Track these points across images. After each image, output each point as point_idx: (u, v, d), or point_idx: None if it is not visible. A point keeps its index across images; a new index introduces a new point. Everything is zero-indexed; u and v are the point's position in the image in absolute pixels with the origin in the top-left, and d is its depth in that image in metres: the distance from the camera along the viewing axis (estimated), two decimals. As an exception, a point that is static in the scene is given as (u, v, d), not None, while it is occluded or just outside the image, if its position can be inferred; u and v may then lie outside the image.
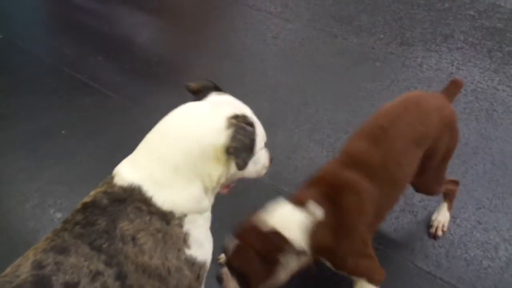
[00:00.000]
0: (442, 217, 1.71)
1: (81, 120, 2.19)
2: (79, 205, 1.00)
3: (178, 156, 1.00)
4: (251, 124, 1.07)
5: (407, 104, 1.44)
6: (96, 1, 3.44)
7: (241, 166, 1.03)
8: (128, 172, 1.00)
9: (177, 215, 1.00)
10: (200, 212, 1.05)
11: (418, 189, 1.57)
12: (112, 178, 1.01)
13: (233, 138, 1.00)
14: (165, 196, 0.99)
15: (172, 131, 1.03)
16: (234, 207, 1.74)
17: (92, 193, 1.01)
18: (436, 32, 2.88)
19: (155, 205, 0.98)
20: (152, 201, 0.98)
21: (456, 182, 1.69)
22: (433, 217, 1.73)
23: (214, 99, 1.13)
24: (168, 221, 0.99)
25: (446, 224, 1.71)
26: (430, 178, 1.52)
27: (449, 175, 1.62)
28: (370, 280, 1.31)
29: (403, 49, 2.72)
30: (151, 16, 3.24)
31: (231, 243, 1.22)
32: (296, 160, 1.99)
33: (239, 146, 1.01)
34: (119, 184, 0.99)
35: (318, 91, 2.41)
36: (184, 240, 1.01)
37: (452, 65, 2.56)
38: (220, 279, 1.27)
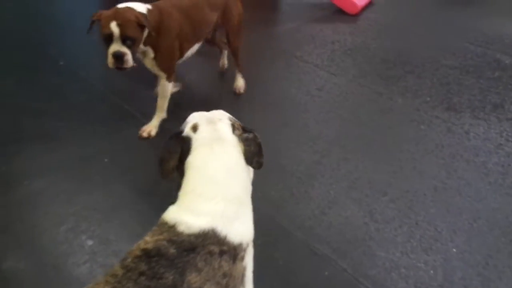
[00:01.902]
0: (240, 81, 2.87)
1: (124, 151, 2.25)
2: (137, 251, 0.97)
3: (237, 187, 1.08)
4: (248, 130, 1.18)
5: None
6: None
7: (260, 167, 1.19)
8: (193, 219, 1.00)
9: (243, 246, 1.03)
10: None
11: (230, 45, 2.73)
12: (173, 227, 0.99)
13: (248, 150, 1.13)
14: (236, 230, 1.02)
15: (217, 168, 1.07)
16: (264, 259, 1.70)
17: (150, 239, 0.99)
18: (485, 100, 2.83)
19: (228, 243, 0.99)
20: (226, 240, 0.99)
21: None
22: (234, 85, 2.87)
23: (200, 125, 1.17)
24: (235, 256, 1.00)
25: (243, 85, 2.87)
26: (234, 36, 2.67)
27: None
28: (168, 77, 2.33)
29: (449, 114, 2.68)
30: (201, 57, 3.36)
31: None
32: (331, 217, 1.95)
33: (254, 154, 1.15)
34: (187, 232, 0.97)
35: (359, 147, 2.39)
36: (241, 278, 1.03)
37: (501, 136, 2.49)
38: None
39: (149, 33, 2.08)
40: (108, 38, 1.99)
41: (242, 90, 2.84)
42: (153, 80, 3.05)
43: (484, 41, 3.64)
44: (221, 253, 0.98)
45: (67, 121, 2.51)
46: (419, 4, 4.51)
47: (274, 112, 2.69)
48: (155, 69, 2.30)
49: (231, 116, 1.20)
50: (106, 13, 1.99)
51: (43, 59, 3.16)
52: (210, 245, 0.97)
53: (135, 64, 2.06)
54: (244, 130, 1.16)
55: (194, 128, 1.11)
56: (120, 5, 2.05)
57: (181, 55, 2.39)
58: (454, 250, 1.80)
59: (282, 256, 1.76)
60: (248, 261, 1.08)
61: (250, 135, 1.14)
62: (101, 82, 2.94)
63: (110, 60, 2.03)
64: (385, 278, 1.68)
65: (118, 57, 2.00)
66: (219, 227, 1.00)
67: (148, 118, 2.43)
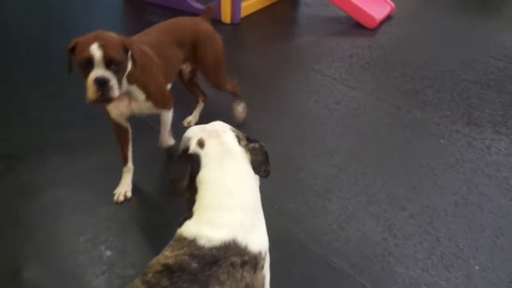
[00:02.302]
0: (240, 108, 2.60)
1: (144, 163, 2.29)
2: (157, 266, 0.98)
3: (251, 197, 1.09)
4: (252, 140, 1.20)
5: (169, 21, 2.20)
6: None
7: (268, 175, 1.21)
8: (214, 232, 1.00)
9: (262, 254, 1.05)
10: None
11: (212, 84, 2.44)
12: (193, 241, 1.00)
13: (255, 159, 1.16)
14: (255, 239, 1.04)
15: (231, 180, 1.08)
16: (281, 273, 1.69)
17: (170, 254, 1.00)
18: (507, 115, 2.78)
19: (249, 252, 1.00)
20: (247, 250, 1.00)
21: (234, 83, 2.56)
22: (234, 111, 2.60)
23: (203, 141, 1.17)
24: (256, 265, 1.01)
25: (245, 111, 2.61)
26: (212, 75, 2.37)
27: None
28: (166, 106, 2.06)
29: (470, 128, 2.64)
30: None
31: None
32: (349, 232, 1.93)
33: (262, 163, 1.19)
34: (209, 245, 0.98)
35: (377, 162, 2.37)
36: (261, 286, 1.05)
37: (524, 152, 2.44)
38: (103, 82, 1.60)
39: (132, 68, 1.77)
40: (87, 64, 1.61)
41: (241, 119, 2.60)
42: (172, 92, 3.11)
43: (505, 55, 3.59)
44: (243, 264, 0.98)
45: (89, 132, 2.56)
46: (438, 18, 4.49)
47: (291, 125, 2.69)
48: (153, 111, 2.02)
49: (232, 127, 1.21)
50: (84, 37, 1.67)
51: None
52: (232, 257, 0.97)
53: (121, 95, 1.74)
54: (249, 140, 1.18)
55: (200, 143, 1.12)
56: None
57: None
58: (477, 267, 1.76)
59: (299, 270, 1.74)
60: (267, 270, 1.10)
61: (256, 145, 1.17)
62: (122, 95, 3.00)
63: (91, 90, 1.61)
64: (405, 295, 1.65)
65: (102, 83, 1.60)
66: (240, 237, 1.00)
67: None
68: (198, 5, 4.22)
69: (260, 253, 1.05)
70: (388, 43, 3.82)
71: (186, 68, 2.40)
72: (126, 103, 1.91)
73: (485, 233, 1.92)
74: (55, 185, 2.15)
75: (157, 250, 1.08)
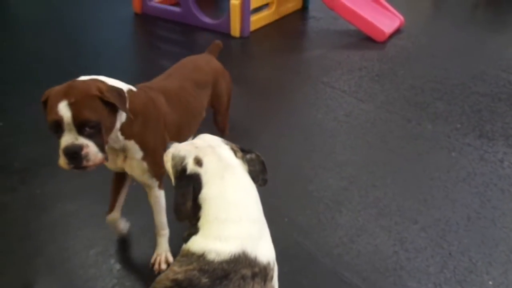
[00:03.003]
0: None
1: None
2: (167, 281, 0.97)
3: (255, 208, 1.09)
4: (249, 150, 1.19)
5: (186, 63, 2.01)
6: (185, 50, 3.73)
7: (265, 183, 1.19)
8: (222, 245, 1.00)
9: (271, 265, 1.04)
10: None
11: (218, 126, 2.22)
12: (202, 256, 1.00)
13: (253, 170, 1.15)
14: (262, 249, 1.03)
15: (234, 193, 1.08)
16: (290, 286, 1.68)
17: (178, 269, 0.99)
18: (519, 128, 2.75)
19: (259, 263, 1.00)
20: (256, 261, 1.00)
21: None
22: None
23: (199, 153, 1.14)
24: (266, 276, 1.01)
25: None
26: (224, 117, 2.20)
27: None
28: (160, 184, 1.71)
29: (481, 142, 2.61)
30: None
31: None
32: (360, 245, 1.90)
33: (259, 172, 1.17)
34: (218, 260, 0.98)
35: (387, 174, 2.35)
36: None
37: (537, 165, 2.40)
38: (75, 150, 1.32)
39: (130, 120, 1.47)
40: (56, 127, 1.31)
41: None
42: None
43: (516, 67, 3.57)
44: (253, 276, 0.98)
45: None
46: (449, 30, 4.49)
47: (301, 137, 2.69)
48: (144, 177, 1.63)
49: (224, 139, 1.20)
50: (56, 89, 1.36)
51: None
52: (242, 269, 0.97)
53: (106, 158, 1.40)
54: (243, 151, 1.17)
55: (198, 162, 1.09)
56: (82, 77, 1.44)
57: None
58: (490, 282, 1.72)
59: (309, 283, 1.73)
60: (275, 281, 1.09)
61: (253, 155, 1.16)
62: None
63: (61, 159, 1.33)
64: (417, 310, 1.62)
65: (71, 154, 1.31)
66: (249, 248, 1.00)
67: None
68: (208, 20, 4.28)
69: (269, 263, 1.04)
70: (398, 56, 3.82)
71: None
72: (122, 158, 1.58)
73: (498, 247, 1.88)
74: (66, 198, 2.17)
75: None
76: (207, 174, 1.07)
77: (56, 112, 1.30)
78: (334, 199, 2.17)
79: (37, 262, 1.82)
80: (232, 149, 1.15)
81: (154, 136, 1.59)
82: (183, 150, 1.13)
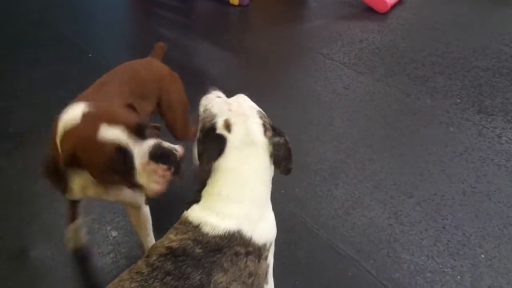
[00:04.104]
0: None
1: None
2: (162, 249, 0.97)
3: (263, 190, 1.07)
4: (279, 133, 1.12)
5: (122, 70, 1.64)
6: (180, 33, 3.65)
7: (288, 172, 1.13)
8: (219, 221, 0.99)
9: (267, 246, 1.04)
10: None
11: (177, 136, 1.84)
12: (198, 227, 0.99)
13: (277, 154, 1.09)
14: (260, 231, 1.02)
15: (247, 173, 1.05)
16: (287, 257, 1.70)
17: (174, 237, 0.99)
18: (519, 104, 2.73)
19: (254, 243, 1.00)
20: (251, 241, 0.99)
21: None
22: None
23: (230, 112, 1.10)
24: (260, 256, 1.01)
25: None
26: (181, 125, 1.82)
27: None
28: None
29: (480, 117, 2.60)
30: (228, 52, 3.38)
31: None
32: (355, 218, 1.92)
33: (283, 159, 1.11)
34: (213, 234, 0.97)
35: (385, 148, 2.34)
36: (265, 275, 1.05)
37: (535, 142, 2.40)
38: None
39: None
40: (123, 155, 1.13)
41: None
42: (178, 72, 3.07)
43: (519, 42, 3.51)
44: (247, 253, 0.98)
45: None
46: (451, 3, 4.39)
47: (298, 109, 2.66)
48: (134, 196, 1.45)
49: (260, 110, 1.16)
50: (79, 130, 1.14)
51: (73, 50, 3.23)
52: (236, 246, 0.97)
53: None
54: (274, 131, 1.12)
55: (227, 126, 1.06)
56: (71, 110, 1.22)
57: None
58: (483, 256, 1.75)
59: (304, 255, 1.75)
60: (271, 259, 1.10)
61: (282, 140, 1.10)
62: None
63: (149, 175, 1.15)
64: (410, 281, 1.64)
65: (165, 152, 1.16)
66: (245, 229, 1.00)
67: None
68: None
69: (265, 244, 1.04)
70: (399, 28, 3.75)
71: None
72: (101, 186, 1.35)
73: (492, 222, 1.90)
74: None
75: (163, 231, 1.08)
76: (230, 143, 1.04)
77: (108, 142, 1.09)
78: (331, 172, 2.17)
79: (33, 228, 1.83)
80: (264, 125, 1.10)
81: None
82: (216, 107, 1.10)
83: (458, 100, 2.76)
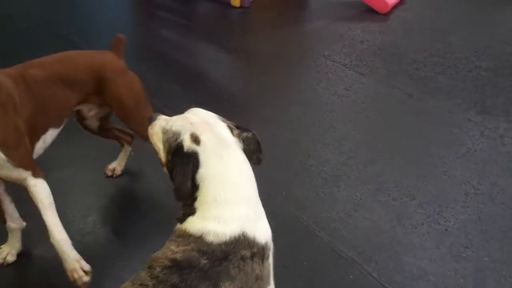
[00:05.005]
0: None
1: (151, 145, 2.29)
2: (165, 260, 0.96)
3: (252, 188, 1.07)
4: (245, 129, 1.14)
5: (61, 53, 1.70)
6: (181, 35, 3.66)
7: (260, 163, 1.14)
8: (222, 227, 0.98)
9: (268, 244, 1.04)
10: None
11: (140, 136, 1.81)
12: (201, 238, 0.98)
13: (247, 149, 1.10)
14: (261, 230, 1.03)
15: (233, 174, 1.05)
16: (288, 260, 1.69)
17: (176, 248, 0.98)
18: (522, 104, 2.72)
19: (258, 243, 1.00)
20: (255, 241, 1.00)
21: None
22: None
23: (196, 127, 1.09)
24: (263, 256, 1.01)
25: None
26: (135, 122, 1.79)
27: None
28: (34, 173, 1.47)
29: (483, 117, 2.58)
30: (229, 54, 3.38)
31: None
32: (357, 220, 1.91)
33: (254, 151, 1.12)
34: (217, 241, 0.96)
35: (386, 149, 2.33)
36: (268, 276, 1.05)
37: (538, 142, 2.38)
38: None
39: None
40: None
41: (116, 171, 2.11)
42: (180, 74, 3.07)
43: (521, 42, 3.50)
44: (252, 256, 0.97)
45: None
46: (453, 2, 4.38)
47: (300, 111, 2.66)
48: (10, 172, 1.42)
49: (218, 116, 1.15)
50: None
51: (73, 50, 3.22)
52: (241, 250, 0.97)
53: None
54: (239, 128, 1.13)
55: (195, 139, 1.04)
56: None
57: (31, 144, 1.52)
58: (486, 259, 1.73)
59: (306, 257, 1.74)
60: (271, 259, 1.09)
61: (249, 134, 1.12)
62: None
63: None
64: (412, 284, 1.63)
65: None
66: (248, 230, 0.99)
67: (175, 112, 2.45)
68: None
69: (266, 243, 1.04)
70: (400, 28, 3.74)
71: (89, 111, 1.83)
72: None
73: (496, 224, 1.89)
74: (64, 164, 2.15)
75: (165, 234, 1.08)
76: (205, 153, 1.03)
77: None
78: (333, 174, 2.16)
79: (35, 227, 1.81)
80: (229, 126, 1.11)
81: (6, 126, 1.38)
82: (176, 125, 1.09)
83: (460, 101, 2.75)
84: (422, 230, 1.86)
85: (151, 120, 1.19)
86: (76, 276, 1.51)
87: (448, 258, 1.74)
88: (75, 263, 1.52)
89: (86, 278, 1.53)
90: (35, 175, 1.46)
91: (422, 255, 1.75)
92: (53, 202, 1.51)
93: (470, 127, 2.51)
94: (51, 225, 1.49)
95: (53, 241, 1.50)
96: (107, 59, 1.75)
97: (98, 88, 1.68)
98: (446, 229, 1.86)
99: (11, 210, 1.63)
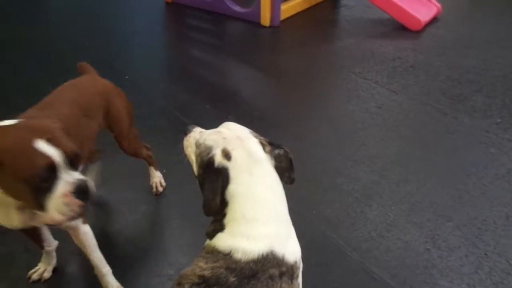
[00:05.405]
0: (156, 178, 2.15)
1: (180, 163, 2.31)
2: (193, 277, 0.95)
3: (283, 206, 1.06)
4: (277, 145, 1.14)
5: (70, 87, 1.67)
6: (212, 54, 3.72)
7: (292, 182, 1.13)
8: (250, 245, 0.97)
9: (298, 263, 1.02)
10: None
11: (128, 153, 1.92)
12: (229, 255, 0.97)
13: (279, 166, 1.10)
14: (290, 249, 1.02)
15: (263, 191, 1.04)
16: (318, 280, 1.65)
17: (205, 265, 0.97)
18: None
19: (287, 262, 0.98)
20: (284, 260, 0.98)
21: (148, 147, 2.11)
22: (151, 182, 2.15)
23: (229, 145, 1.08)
24: (292, 275, 0.99)
25: (162, 181, 2.16)
26: (130, 139, 1.88)
27: None
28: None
29: (523, 137, 2.48)
30: (259, 72, 3.41)
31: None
32: (390, 241, 1.85)
33: (286, 169, 1.12)
34: (246, 259, 0.96)
35: (420, 169, 2.27)
36: None
37: None
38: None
39: None
40: (49, 173, 1.12)
41: (160, 187, 2.15)
42: (210, 93, 3.11)
43: (563, 58, 3.36)
44: (281, 275, 0.95)
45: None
46: (488, 19, 4.27)
47: (330, 129, 2.63)
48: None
49: (251, 131, 1.15)
50: (9, 138, 1.11)
51: (110, 73, 3.33)
52: (270, 269, 0.95)
53: None
54: (272, 145, 1.12)
55: (226, 155, 1.04)
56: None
57: None
58: (529, 286, 1.63)
59: (336, 278, 1.69)
60: (300, 278, 1.07)
61: (281, 151, 1.11)
62: (162, 95, 3.05)
63: (62, 206, 1.15)
64: (450, 311, 1.56)
65: (85, 190, 1.19)
66: (277, 248, 0.98)
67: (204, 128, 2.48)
68: (239, 9, 4.24)
69: (296, 262, 1.02)
70: (434, 45, 3.67)
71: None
72: (26, 213, 1.27)
73: (539, 249, 1.79)
74: (95, 184, 2.19)
75: (194, 252, 1.07)
76: (235, 169, 1.03)
77: (43, 155, 1.09)
78: (364, 193, 2.11)
79: (70, 247, 1.86)
80: (261, 142, 1.10)
81: None
82: (209, 140, 1.09)
83: (499, 120, 2.65)
84: (460, 253, 1.78)
85: (186, 131, 1.20)
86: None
87: (488, 284, 1.65)
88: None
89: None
90: (85, 222, 1.51)
91: (460, 280, 1.67)
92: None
93: (510, 146, 2.41)
94: (97, 262, 1.59)
95: (98, 273, 1.61)
96: (108, 84, 1.80)
97: (106, 111, 1.73)
98: (486, 253, 1.77)
99: (47, 235, 1.68)
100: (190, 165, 1.18)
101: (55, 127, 1.19)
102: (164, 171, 2.22)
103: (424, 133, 2.57)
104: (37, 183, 1.10)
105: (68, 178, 1.15)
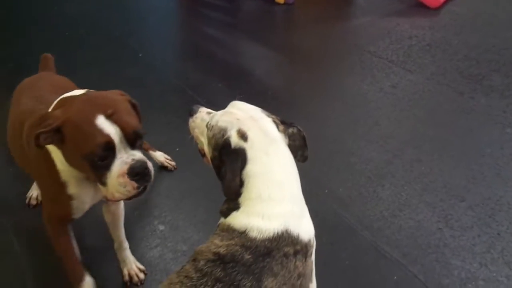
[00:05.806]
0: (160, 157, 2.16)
1: (193, 141, 2.33)
2: (209, 254, 0.97)
3: (297, 185, 1.07)
4: (290, 124, 1.14)
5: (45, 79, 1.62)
6: (225, 32, 3.70)
7: (305, 160, 1.15)
8: (265, 223, 0.99)
9: (311, 241, 1.04)
10: None
11: None
12: (244, 233, 0.98)
13: (293, 144, 1.11)
14: (305, 227, 1.03)
15: (279, 171, 1.05)
16: (330, 258, 1.68)
17: (220, 243, 0.99)
18: None
19: (301, 241, 1.00)
20: (299, 238, 1.00)
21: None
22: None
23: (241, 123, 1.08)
24: (306, 253, 1.01)
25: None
26: None
27: None
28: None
29: (541, 117, 2.43)
30: (273, 51, 3.38)
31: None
32: (402, 220, 1.86)
33: (299, 147, 1.13)
34: (261, 237, 0.97)
35: (434, 149, 2.25)
36: (310, 274, 1.05)
37: None
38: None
39: None
40: (107, 151, 1.10)
41: (171, 163, 2.17)
42: (223, 72, 3.09)
43: None
44: (295, 253, 0.97)
45: (144, 111, 2.61)
46: (510, -4, 4.13)
47: (344, 108, 2.62)
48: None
49: (262, 110, 1.15)
50: (73, 109, 1.11)
51: (125, 50, 3.35)
52: (285, 247, 0.97)
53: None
54: (285, 123, 1.13)
55: (243, 136, 1.04)
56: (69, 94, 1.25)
57: None
58: (542, 266, 1.64)
59: (348, 256, 1.71)
60: (314, 256, 1.09)
61: (295, 130, 1.12)
62: (175, 74, 3.06)
63: (119, 186, 1.14)
64: (460, 289, 1.57)
65: (144, 172, 1.16)
66: (291, 227, 0.99)
67: (218, 109, 2.48)
68: (252, -15, 4.17)
69: (310, 240, 1.04)
70: (452, 23, 3.58)
71: None
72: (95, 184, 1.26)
73: (553, 230, 1.78)
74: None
75: (206, 225, 1.10)
76: (253, 149, 1.03)
77: (102, 133, 1.07)
78: (377, 173, 2.11)
79: (88, 220, 1.91)
80: (274, 121, 1.11)
81: None
82: (222, 121, 1.09)
83: (516, 100, 2.60)
84: (472, 233, 1.78)
85: (191, 112, 1.20)
86: (132, 273, 1.68)
87: (500, 263, 1.65)
88: (133, 264, 1.70)
89: (141, 276, 1.69)
90: None
91: (472, 259, 1.67)
92: None
93: (527, 127, 2.37)
94: (121, 237, 1.66)
95: (119, 248, 1.68)
96: (66, 79, 1.76)
97: None
98: (499, 233, 1.77)
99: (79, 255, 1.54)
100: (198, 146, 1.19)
101: (120, 100, 1.17)
102: (177, 149, 2.25)
103: (439, 113, 2.54)
104: (95, 161, 1.10)
105: (125, 158, 1.12)
